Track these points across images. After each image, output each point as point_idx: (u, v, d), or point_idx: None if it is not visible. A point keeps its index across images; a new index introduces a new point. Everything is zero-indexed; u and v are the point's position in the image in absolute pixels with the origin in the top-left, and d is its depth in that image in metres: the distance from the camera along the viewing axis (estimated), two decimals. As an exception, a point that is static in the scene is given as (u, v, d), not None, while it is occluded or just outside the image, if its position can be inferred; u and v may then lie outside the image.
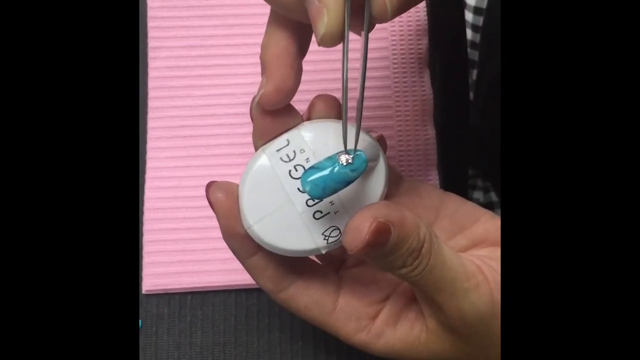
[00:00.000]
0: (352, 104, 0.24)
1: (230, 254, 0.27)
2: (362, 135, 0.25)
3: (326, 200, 0.25)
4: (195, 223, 0.37)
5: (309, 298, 0.27)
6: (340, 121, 0.26)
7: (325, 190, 0.24)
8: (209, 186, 0.26)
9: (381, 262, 0.25)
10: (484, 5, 0.52)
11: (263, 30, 0.25)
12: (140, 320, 0.36)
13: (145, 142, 0.38)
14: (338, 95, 0.26)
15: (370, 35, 0.23)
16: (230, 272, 0.36)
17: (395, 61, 0.39)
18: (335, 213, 0.26)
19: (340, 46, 0.23)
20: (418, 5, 0.35)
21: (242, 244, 0.26)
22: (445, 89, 0.40)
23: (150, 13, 0.39)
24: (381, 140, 0.27)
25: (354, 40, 0.24)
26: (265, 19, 0.25)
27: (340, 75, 0.24)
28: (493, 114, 0.47)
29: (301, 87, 0.25)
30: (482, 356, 0.27)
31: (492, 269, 0.26)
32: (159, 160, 0.37)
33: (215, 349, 0.36)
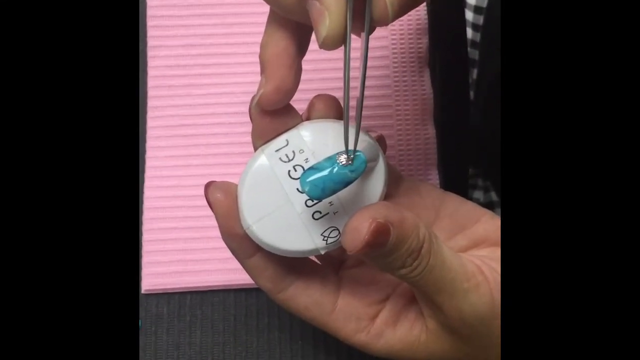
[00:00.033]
0: (352, 103, 0.24)
1: (229, 254, 0.27)
2: (361, 135, 0.25)
3: (325, 200, 0.25)
4: (194, 222, 0.37)
5: (308, 298, 0.27)
6: (340, 121, 0.26)
7: (325, 190, 0.24)
8: (207, 186, 0.26)
9: (380, 262, 0.25)
10: (485, 4, 0.52)
11: (262, 29, 0.25)
12: (139, 320, 0.36)
13: (144, 142, 0.38)
14: (338, 94, 0.26)
15: (370, 34, 0.23)
16: (229, 272, 0.36)
17: (395, 60, 0.39)
18: (334, 213, 0.26)
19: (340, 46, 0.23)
20: (418, 5, 0.35)
21: (241, 244, 0.26)
22: (445, 89, 0.39)
23: (149, 12, 0.39)
24: (381, 140, 0.27)
25: (354, 40, 0.24)
26: (265, 18, 0.25)
27: (340, 75, 0.23)
28: (493, 113, 0.47)
29: (301, 87, 0.25)
30: (482, 356, 0.27)
31: (492, 269, 0.26)
32: (159, 159, 0.37)
33: (214, 349, 0.36)
